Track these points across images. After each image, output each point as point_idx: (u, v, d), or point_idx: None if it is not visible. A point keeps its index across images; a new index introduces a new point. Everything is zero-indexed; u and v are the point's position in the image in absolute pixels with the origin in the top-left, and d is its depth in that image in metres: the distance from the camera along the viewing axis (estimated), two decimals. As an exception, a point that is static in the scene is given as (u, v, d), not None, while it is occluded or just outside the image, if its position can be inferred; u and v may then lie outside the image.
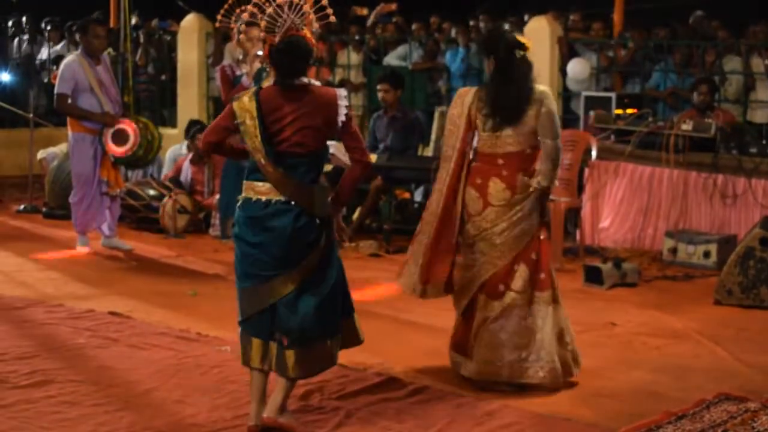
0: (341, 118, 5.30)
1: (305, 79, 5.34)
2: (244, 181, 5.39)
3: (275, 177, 5.25)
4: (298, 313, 5.27)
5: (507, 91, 6.22)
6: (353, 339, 5.60)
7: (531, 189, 6.23)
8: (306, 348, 5.29)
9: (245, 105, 5.30)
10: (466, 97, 6.37)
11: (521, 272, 6.19)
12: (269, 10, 5.27)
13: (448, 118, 6.44)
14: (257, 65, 8.65)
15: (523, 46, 6.31)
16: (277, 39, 5.30)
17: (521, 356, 6.08)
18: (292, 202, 5.25)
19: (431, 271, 6.39)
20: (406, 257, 6.54)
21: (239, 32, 8.45)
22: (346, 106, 5.33)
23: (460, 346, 6.30)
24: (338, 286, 5.42)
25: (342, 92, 5.37)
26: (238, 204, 5.39)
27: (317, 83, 5.41)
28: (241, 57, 8.84)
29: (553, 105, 6.32)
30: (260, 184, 5.30)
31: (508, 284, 6.17)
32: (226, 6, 8.29)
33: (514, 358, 6.08)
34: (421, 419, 5.53)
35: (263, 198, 5.29)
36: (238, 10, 8.33)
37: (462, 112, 6.33)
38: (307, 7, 5.33)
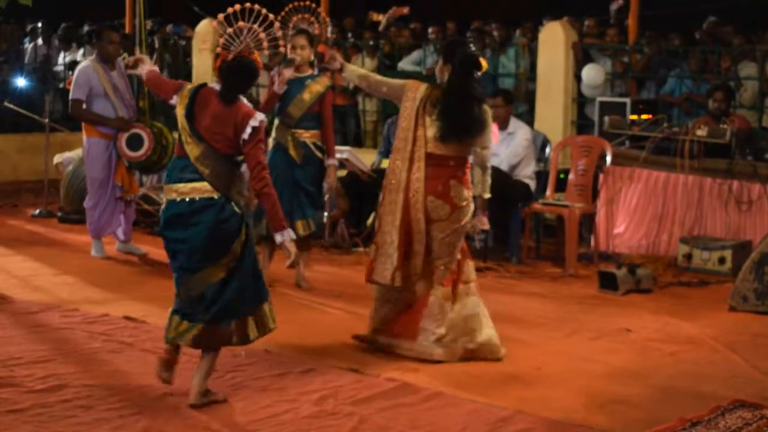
0: (244, 135, 5.68)
1: (241, 96, 5.82)
2: (165, 186, 5.83)
3: (199, 151, 5.70)
4: (225, 296, 5.70)
5: (467, 111, 6.69)
6: (266, 325, 5.90)
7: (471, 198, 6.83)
8: (215, 326, 5.74)
9: (186, 91, 5.82)
10: (417, 92, 6.81)
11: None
12: (231, 31, 5.75)
13: (401, 112, 6.85)
14: (298, 73, 8.65)
15: (480, 67, 6.73)
16: (230, 57, 5.76)
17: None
18: (215, 197, 5.67)
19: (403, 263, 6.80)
20: (373, 255, 6.89)
21: (290, 40, 8.65)
22: (254, 128, 5.69)
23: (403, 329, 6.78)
24: (256, 272, 5.86)
25: (258, 116, 5.74)
26: (162, 207, 5.84)
27: (246, 102, 5.83)
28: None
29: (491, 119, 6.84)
30: (182, 185, 5.72)
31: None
32: (282, 14, 8.67)
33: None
34: (435, 425, 5.53)
35: (186, 198, 5.71)
36: (295, 18, 8.76)
37: (413, 106, 6.77)
38: (262, 35, 5.81)
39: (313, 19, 8.80)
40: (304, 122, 8.61)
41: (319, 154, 8.66)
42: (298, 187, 8.61)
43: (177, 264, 5.79)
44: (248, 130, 5.67)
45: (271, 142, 8.72)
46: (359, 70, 7.07)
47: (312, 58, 8.76)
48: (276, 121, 8.79)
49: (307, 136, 8.64)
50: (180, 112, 5.80)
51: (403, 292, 6.84)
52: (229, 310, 5.72)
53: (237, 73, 5.77)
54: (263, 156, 5.82)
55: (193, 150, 5.72)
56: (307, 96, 8.60)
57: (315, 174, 8.71)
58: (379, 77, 7.15)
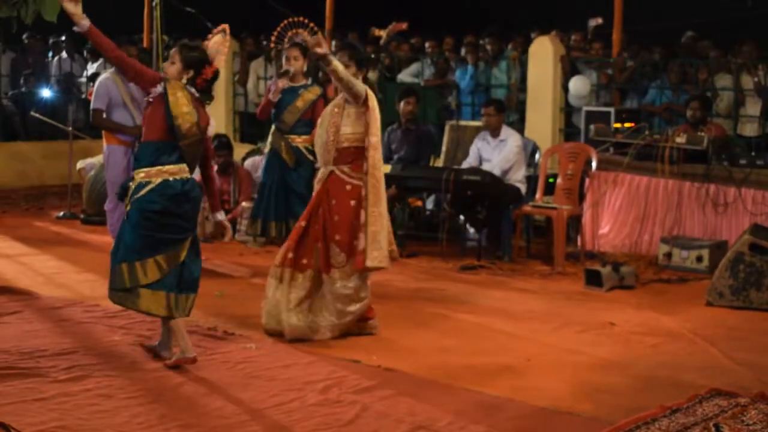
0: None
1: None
2: (153, 169, 6.14)
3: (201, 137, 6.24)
4: (197, 265, 6.36)
5: None
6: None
7: None
8: (194, 293, 6.36)
9: (179, 85, 6.22)
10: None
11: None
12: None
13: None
14: (288, 83, 8.71)
15: None
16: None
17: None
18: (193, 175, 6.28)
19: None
20: (372, 240, 6.90)
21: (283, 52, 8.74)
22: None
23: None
24: None
25: (211, 122, 6.41)
26: (152, 187, 6.12)
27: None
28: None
29: None
30: (171, 166, 6.15)
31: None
32: (278, 29, 8.92)
33: None
34: (432, 412, 5.53)
35: (179, 177, 6.16)
36: (290, 33, 8.94)
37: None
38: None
39: (306, 33, 8.87)
40: (297, 128, 8.73)
41: (310, 158, 8.77)
42: (290, 189, 8.70)
43: (161, 238, 6.16)
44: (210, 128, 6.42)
45: (267, 147, 8.81)
46: (340, 65, 7.00)
47: (305, 68, 8.83)
48: (272, 128, 8.87)
49: (300, 141, 8.75)
50: (183, 101, 6.19)
51: None
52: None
53: (213, 81, 6.44)
54: None
55: (197, 135, 6.24)
56: (300, 103, 8.74)
57: (306, 177, 8.80)
58: (352, 78, 7.05)
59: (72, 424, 5.21)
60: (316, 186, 7.08)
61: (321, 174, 7.06)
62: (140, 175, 6.18)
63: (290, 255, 6.99)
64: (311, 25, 8.99)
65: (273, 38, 9.16)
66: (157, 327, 7.11)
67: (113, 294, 6.23)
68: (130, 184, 6.24)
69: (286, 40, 8.94)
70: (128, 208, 6.23)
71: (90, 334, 6.97)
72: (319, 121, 7.16)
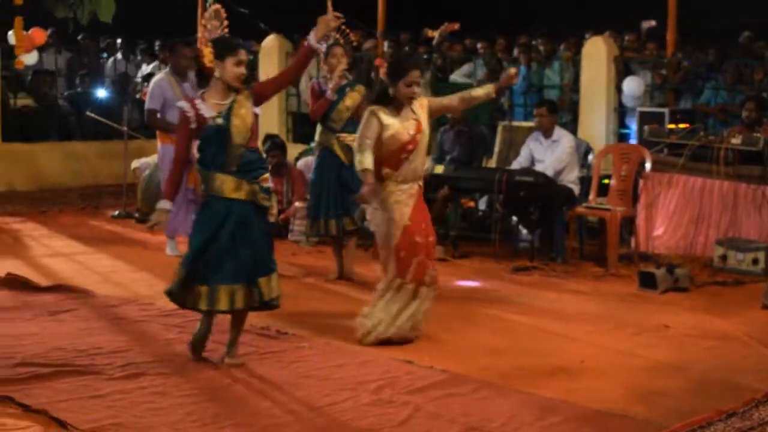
0: None
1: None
2: (219, 174, 6.07)
3: None
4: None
5: None
6: None
7: None
8: None
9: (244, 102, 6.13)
10: None
11: None
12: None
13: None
14: (341, 81, 8.74)
15: None
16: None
17: None
18: None
19: None
20: None
21: (327, 53, 8.68)
22: None
23: None
24: None
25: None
26: (228, 192, 6.07)
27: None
28: (328, 75, 8.90)
29: None
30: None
31: None
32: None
33: None
34: (485, 414, 5.51)
35: None
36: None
37: None
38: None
39: (339, 36, 8.94)
40: (348, 127, 8.75)
41: None
42: (345, 187, 8.71)
43: None
44: None
45: (316, 147, 8.84)
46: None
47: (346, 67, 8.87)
48: (319, 127, 8.90)
49: (351, 139, 8.77)
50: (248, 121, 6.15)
51: None
52: None
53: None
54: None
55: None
56: (349, 102, 8.78)
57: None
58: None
59: (127, 422, 5.25)
60: (412, 201, 6.98)
61: (412, 189, 6.98)
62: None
63: (432, 273, 7.00)
64: (342, 26, 9.03)
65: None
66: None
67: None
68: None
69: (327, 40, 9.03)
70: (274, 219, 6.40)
71: (145, 333, 7.03)
72: (410, 145, 6.98)
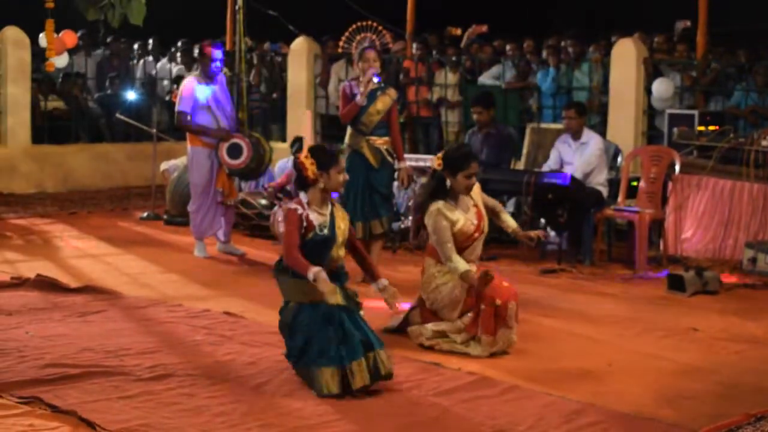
0: None
1: None
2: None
3: None
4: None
5: None
6: None
7: None
8: None
9: None
10: None
11: None
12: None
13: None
14: (370, 86, 8.73)
15: None
16: None
17: None
18: None
19: None
20: None
21: (360, 56, 8.71)
22: None
23: None
24: None
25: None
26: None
27: None
28: (361, 78, 8.90)
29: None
30: None
31: None
32: (347, 33, 9.07)
33: None
34: (512, 416, 5.51)
35: None
36: (358, 37, 9.08)
37: None
38: None
39: (375, 36, 8.95)
40: (378, 130, 8.78)
41: (390, 159, 8.85)
42: (373, 189, 8.74)
43: None
44: None
45: (346, 149, 8.84)
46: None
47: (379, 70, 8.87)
48: (348, 129, 8.91)
49: (381, 142, 8.81)
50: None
51: None
52: None
53: None
54: None
55: None
56: (380, 105, 8.78)
57: (388, 177, 8.89)
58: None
59: (155, 423, 5.27)
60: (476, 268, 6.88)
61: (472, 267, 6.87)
62: None
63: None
64: (379, 27, 9.06)
65: (342, 42, 9.28)
66: (237, 327, 7.20)
67: None
68: None
69: (354, 44, 9.07)
70: None
71: (173, 334, 7.05)
72: (476, 233, 6.96)
